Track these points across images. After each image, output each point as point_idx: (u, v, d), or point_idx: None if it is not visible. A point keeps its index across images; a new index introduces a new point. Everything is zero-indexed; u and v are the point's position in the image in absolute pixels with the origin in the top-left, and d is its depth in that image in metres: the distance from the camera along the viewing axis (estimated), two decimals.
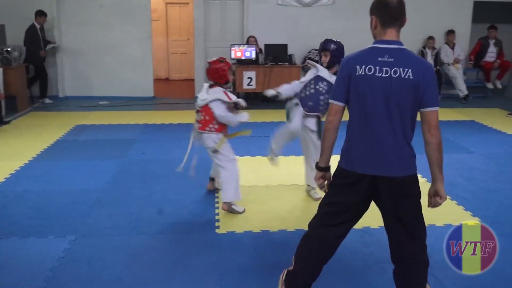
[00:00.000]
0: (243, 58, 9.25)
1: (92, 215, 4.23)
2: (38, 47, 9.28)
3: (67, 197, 4.64)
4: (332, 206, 2.65)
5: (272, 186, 5.00)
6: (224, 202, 4.33)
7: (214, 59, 4.45)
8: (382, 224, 4.01)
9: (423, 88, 2.42)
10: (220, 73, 4.37)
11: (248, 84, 9.19)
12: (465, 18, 10.62)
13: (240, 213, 4.30)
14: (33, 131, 7.17)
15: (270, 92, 4.75)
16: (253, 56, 9.23)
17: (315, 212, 4.30)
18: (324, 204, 2.70)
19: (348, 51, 10.79)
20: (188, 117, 8.15)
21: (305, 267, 2.71)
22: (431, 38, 10.27)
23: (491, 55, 10.44)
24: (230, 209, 4.31)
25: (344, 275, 3.31)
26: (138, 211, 4.33)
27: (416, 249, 2.61)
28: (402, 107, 2.43)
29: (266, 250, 3.62)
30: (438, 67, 10.31)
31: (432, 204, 2.62)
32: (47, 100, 9.55)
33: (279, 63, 9.30)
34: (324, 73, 4.55)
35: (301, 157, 5.38)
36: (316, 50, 10.16)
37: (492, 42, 10.41)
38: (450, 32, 10.34)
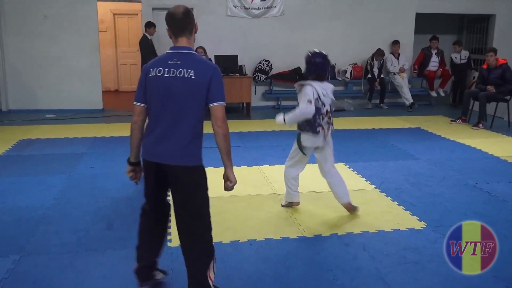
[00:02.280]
0: None
1: (37, 233, 4.07)
2: (153, 56, 9.11)
3: (10, 214, 4.45)
4: (146, 189, 3.02)
5: (225, 197, 4.96)
6: None
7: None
8: (333, 232, 4.11)
9: (207, 86, 2.73)
10: None
11: None
12: (408, 29, 11.04)
13: None
14: None
15: None
16: None
17: (269, 222, 4.37)
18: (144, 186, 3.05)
19: (297, 61, 10.97)
20: None
21: (144, 241, 3.14)
22: (382, 53, 10.54)
23: (433, 64, 10.88)
24: None
25: (296, 283, 3.33)
26: (87, 227, 4.21)
27: (192, 243, 2.92)
28: (186, 103, 2.74)
29: (217, 262, 3.57)
30: (382, 76, 10.64)
31: (225, 187, 2.95)
32: None
33: (230, 73, 9.33)
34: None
35: (254, 167, 5.41)
36: (266, 60, 10.29)
37: (434, 52, 10.86)
38: (395, 43, 10.71)
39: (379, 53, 10.48)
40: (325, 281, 3.35)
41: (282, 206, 4.73)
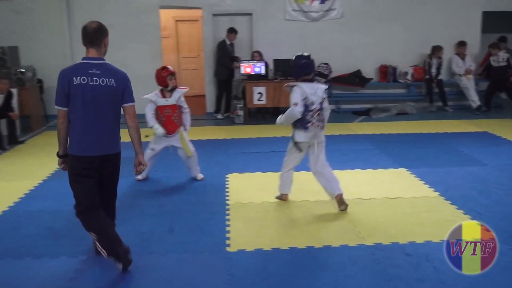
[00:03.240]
0: (252, 73, 9.29)
1: None
2: (227, 61, 9.69)
3: None
4: (80, 186, 3.48)
5: (283, 202, 4.98)
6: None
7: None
8: (395, 241, 4.00)
9: (122, 91, 3.45)
10: (158, 79, 5.60)
11: (259, 100, 9.22)
12: (474, 29, 10.58)
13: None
14: (47, 150, 7.24)
15: None
16: (263, 71, 9.27)
17: (328, 229, 4.32)
18: (76, 189, 3.51)
19: (356, 64, 10.80)
20: (199, 133, 8.18)
21: (104, 235, 3.53)
22: (439, 49, 10.18)
23: None
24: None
25: None
26: (150, 229, 4.34)
27: (111, 204, 3.77)
28: (108, 105, 3.42)
29: (276, 269, 3.59)
30: (441, 78, 10.26)
31: (138, 171, 3.71)
32: (231, 115, 9.84)
33: (289, 77, 9.31)
34: None
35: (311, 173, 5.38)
36: (325, 64, 10.20)
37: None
38: (461, 43, 10.29)
39: (436, 50, 10.11)
40: None
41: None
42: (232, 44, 9.86)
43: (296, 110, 4.54)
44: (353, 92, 10.50)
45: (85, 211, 3.50)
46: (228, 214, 4.67)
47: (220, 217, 4.60)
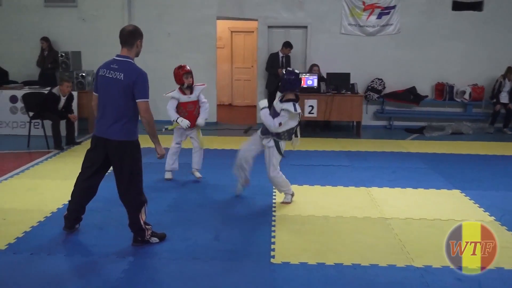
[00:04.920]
0: (304, 86, 9.27)
1: None
2: (272, 70, 9.87)
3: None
4: (86, 162, 4.16)
5: (330, 217, 4.91)
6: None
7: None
8: (445, 264, 3.85)
9: (132, 87, 3.81)
10: (175, 77, 5.86)
11: (310, 112, 9.18)
12: None
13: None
14: None
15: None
16: (315, 84, 9.23)
17: (375, 247, 4.22)
18: (84, 161, 4.19)
19: (411, 80, 10.60)
20: None
21: (74, 206, 4.28)
22: None
23: None
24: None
25: None
26: (195, 235, 4.38)
27: (128, 197, 4.07)
28: (118, 96, 3.84)
29: (319, 284, 3.53)
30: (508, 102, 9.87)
31: (158, 158, 4.20)
32: None
33: (341, 92, 9.24)
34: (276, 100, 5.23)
35: (362, 188, 5.29)
36: (379, 79, 10.05)
37: None
38: None
39: (510, 71, 9.71)
40: None
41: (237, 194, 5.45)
42: (287, 57, 9.88)
43: (275, 127, 4.92)
44: (406, 109, 10.28)
45: (79, 174, 4.22)
46: (274, 226, 4.65)
47: (266, 228, 4.59)
